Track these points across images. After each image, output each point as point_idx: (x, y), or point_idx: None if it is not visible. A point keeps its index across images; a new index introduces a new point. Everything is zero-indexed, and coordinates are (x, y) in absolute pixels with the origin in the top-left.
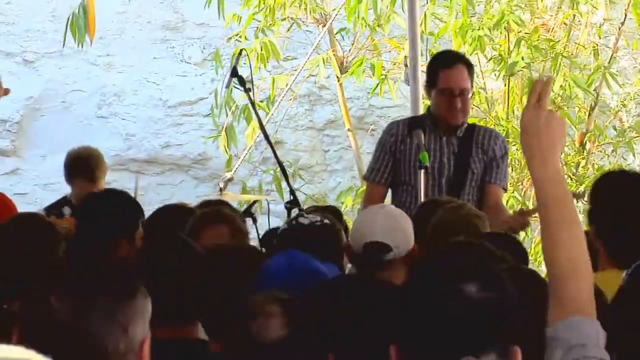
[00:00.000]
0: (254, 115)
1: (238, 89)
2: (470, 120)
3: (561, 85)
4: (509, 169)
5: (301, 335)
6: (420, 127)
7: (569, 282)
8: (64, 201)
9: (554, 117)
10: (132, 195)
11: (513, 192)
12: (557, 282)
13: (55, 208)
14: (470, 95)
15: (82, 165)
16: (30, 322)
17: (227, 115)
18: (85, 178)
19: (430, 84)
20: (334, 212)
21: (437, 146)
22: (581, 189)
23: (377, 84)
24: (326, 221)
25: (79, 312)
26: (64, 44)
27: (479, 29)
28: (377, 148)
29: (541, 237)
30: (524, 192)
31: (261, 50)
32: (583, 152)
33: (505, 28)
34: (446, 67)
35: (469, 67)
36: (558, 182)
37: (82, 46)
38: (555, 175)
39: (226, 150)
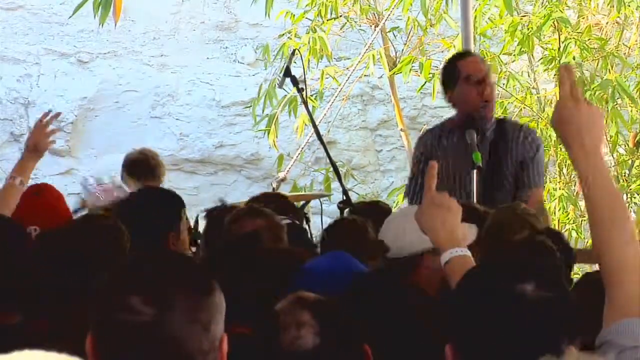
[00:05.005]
0: (307, 114)
1: (287, 90)
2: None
3: (614, 86)
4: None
5: (336, 339)
6: (451, 133)
7: (622, 284)
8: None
9: (593, 110)
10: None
11: (563, 189)
12: (609, 284)
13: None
14: (492, 87)
15: (143, 165)
16: (106, 325)
17: (263, 110)
18: (149, 177)
19: (451, 84)
20: (381, 208)
21: (460, 151)
22: (632, 187)
23: (424, 83)
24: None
25: (162, 313)
26: (72, 15)
27: (527, 28)
28: (412, 164)
29: (592, 235)
30: (576, 192)
31: (309, 43)
32: (637, 152)
33: (555, 27)
34: (462, 59)
35: (486, 64)
36: (606, 178)
37: (102, 25)
38: (603, 170)
39: (275, 144)
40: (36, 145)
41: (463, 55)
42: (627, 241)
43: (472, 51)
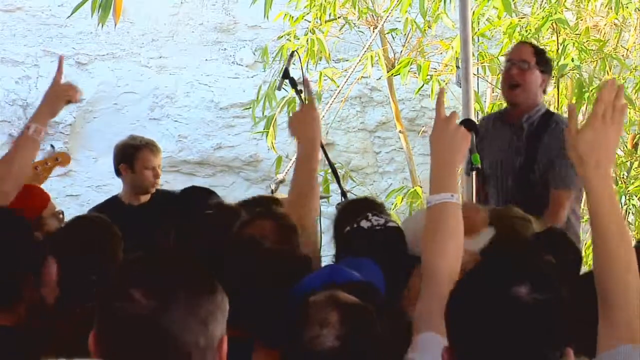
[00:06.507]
0: None
1: (286, 90)
2: None
3: None
4: None
5: (354, 347)
6: (499, 120)
7: (622, 308)
8: (114, 200)
9: (617, 131)
10: None
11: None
12: (610, 306)
13: (104, 207)
14: (531, 70)
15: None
16: (107, 316)
17: (263, 112)
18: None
19: None
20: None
21: (502, 138)
22: (630, 189)
23: (422, 85)
24: (390, 224)
25: (161, 306)
26: (70, 15)
27: (526, 30)
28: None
29: (596, 253)
30: None
31: (307, 44)
32: (635, 153)
33: (554, 29)
34: (511, 49)
35: (537, 50)
36: (616, 200)
37: (102, 26)
38: (613, 193)
39: (273, 146)
40: (55, 95)
41: (514, 45)
42: (629, 266)
43: (472, 52)
